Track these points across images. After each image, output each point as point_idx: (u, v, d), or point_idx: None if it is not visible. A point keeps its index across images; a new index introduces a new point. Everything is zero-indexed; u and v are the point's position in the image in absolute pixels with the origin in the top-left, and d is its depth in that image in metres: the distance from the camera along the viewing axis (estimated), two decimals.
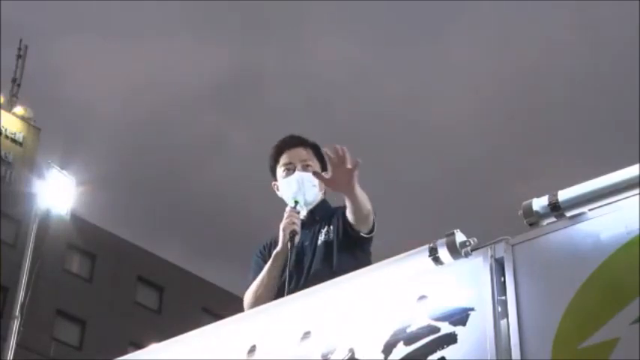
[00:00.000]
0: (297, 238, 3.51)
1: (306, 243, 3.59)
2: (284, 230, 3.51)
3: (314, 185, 3.64)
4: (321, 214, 3.67)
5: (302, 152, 3.73)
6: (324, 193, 3.77)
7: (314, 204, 3.68)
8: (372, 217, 3.44)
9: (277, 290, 3.47)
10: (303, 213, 3.63)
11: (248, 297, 3.58)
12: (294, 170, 3.69)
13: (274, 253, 3.54)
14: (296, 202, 3.59)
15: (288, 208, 3.59)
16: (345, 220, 3.49)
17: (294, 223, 3.51)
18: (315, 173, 3.52)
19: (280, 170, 3.74)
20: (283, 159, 3.74)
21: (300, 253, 3.57)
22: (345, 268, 3.35)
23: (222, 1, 62.43)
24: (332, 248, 3.52)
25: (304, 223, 3.64)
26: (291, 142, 3.77)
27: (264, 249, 3.71)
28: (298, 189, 3.62)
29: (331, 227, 3.58)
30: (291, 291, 3.39)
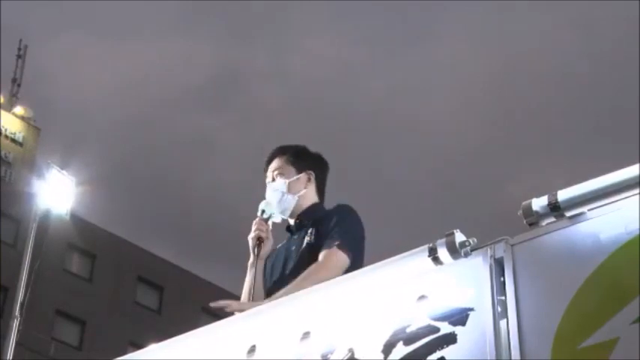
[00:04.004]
0: (268, 244, 3.60)
1: (293, 248, 3.63)
2: (251, 239, 3.61)
3: (283, 192, 3.69)
4: (311, 218, 3.68)
5: (274, 164, 3.80)
6: (321, 197, 3.79)
7: (298, 210, 3.71)
8: (337, 265, 3.37)
9: (250, 297, 3.52)
10: (278, 219, 3.71)
11: None
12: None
13: (248, 264, 3.61)
14: (262, 211, 3.66)
15: (256, 219, 3.66)
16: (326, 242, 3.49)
17: (259, 229, 3.61)
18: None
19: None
20: (266, 173, 3.82)
21: (287, 258, 3.61)
22: None
23: (211, 1, 62.44)
24: (314, 250, 3.51)
25: (293, 230, 3.71)
26: (270, 156, 3.85)
27: None
28: (271, 200, 3.69)
29: (315, 229, 3.59)
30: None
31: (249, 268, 3.61)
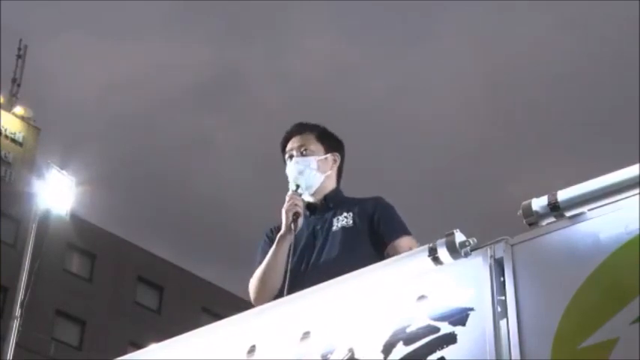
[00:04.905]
0: (300, 220, 3.50)
1: (318, 227, 3.56)
2: (287, 212, 3.50)
3: (312, 169, 3.63)
4: (336, 201, 3.64)
5: (301, 138, 3.72)
6: (338, 182, 3.74)
7: (325, 188, 3.66)
8: None
9: (286, 274, 3.41)
10: (306, 197, 3.61)
11: (254, 283, 3.54)
12: (293, 157, 3.68)
13: (278, 236, 3.51)
14: (297, 186, 3.57)
15: (289, 192, 3.57)
16: (382, 229, 3.50)
17: (296, 204, 3.51)
18: None
19: (286, 160, 3.73)
20: (287, 148, 3.74)
21: (310, 236, 3.55)
22: (367, 254, 3.35)
23: (210, 0, 62.44)
24: (353, 234, 3.49)
25: (317, 209, 3.64)
26: (293, 131, 3.76)
27: (272, 232, 3.67)
28: (297, 175, 3.61)
29: (350, 214, 3.55)
30: (303, 274, 3.37)
31: (277, 240, 3.50)
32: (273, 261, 3.50)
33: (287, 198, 3.55)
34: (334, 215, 3.58)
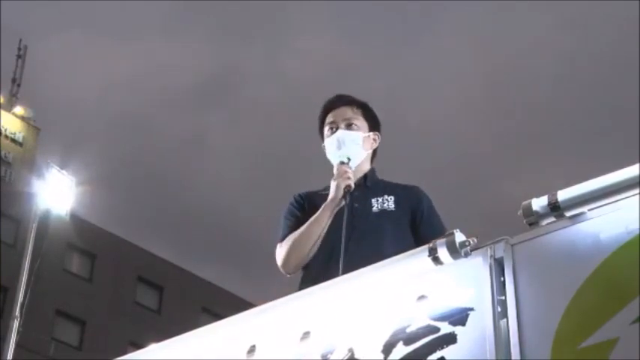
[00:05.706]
0: (347, 196, 3.41)
1: (356, 204, 3.47)
2: (338, 185, 3.40)
3: (357, 144, 3.55)
4: (373, 182, 3.59)
5: (347, 111, 3.62)
6: (372, 162, 3.68)
7: (363, 167, 3.58)
8: None
9: (323, 246, 3.36)
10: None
11: (287, 248, 3.45)
12: (337, 129, 3.58)
13: (324, 205, 3.41)
14: (348, 159, 3.49)
15: (337, 164, 3.49)
16: (426, 224, 3.46)
17: (349, 177, 3.42)
18: None
19: (325, 130, 3.65)
20: (328, 119, 3.65)
21: (349, 212, 3.43)
22: (408, 241, 3.32)
23: (209, 0, 62.45)
24: (394, 219, 3.44)
25: (356, 185, 3.52)
26: (337, 102, 3.66)
27: (301, 198, 3.59)
28: (340, 147, 3.52)
29: (391, 198, 3.49)
30: (341, 251, 3.29)
31: (324, 209, 3.39)
32: (315, 228, 3.40)
33: (337, 169, 3.47)
34: (373, 195, 3.51)
